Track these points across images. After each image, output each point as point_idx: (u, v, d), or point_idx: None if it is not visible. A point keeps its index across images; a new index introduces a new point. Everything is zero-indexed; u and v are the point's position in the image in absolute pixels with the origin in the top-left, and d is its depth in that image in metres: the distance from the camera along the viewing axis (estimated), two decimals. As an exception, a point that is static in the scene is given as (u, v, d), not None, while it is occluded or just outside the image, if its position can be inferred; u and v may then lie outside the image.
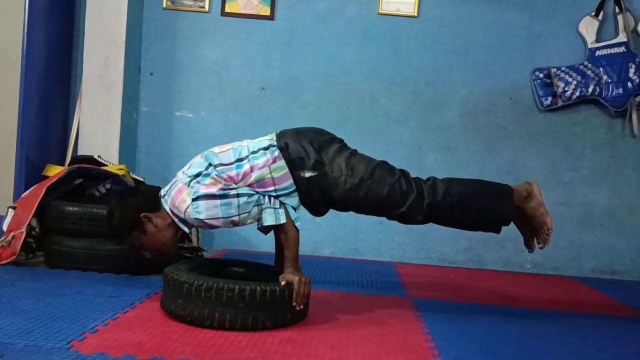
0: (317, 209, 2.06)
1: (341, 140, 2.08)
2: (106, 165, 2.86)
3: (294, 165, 1.93)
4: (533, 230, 2.07)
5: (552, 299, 2.55)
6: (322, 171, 1.94)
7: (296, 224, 1.91)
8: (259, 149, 1.92)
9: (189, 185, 1.85)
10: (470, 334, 1.88)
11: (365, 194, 1.96)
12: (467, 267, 3.25)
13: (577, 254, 3.25)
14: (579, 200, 3.24)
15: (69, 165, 2.87)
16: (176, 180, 1.92)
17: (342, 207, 2.05)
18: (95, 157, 2.92)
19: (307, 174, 1.94)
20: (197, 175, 1.86)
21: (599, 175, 3.25)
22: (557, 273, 3.23)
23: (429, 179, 2.04)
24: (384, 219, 3.21)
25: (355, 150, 2.06)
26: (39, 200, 2.46)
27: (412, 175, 2.05)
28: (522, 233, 2.14)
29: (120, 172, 2.76)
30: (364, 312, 2.06)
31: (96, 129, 3.12)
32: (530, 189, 2.04)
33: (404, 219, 2.02)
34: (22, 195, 2.63)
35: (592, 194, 3.25)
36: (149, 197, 1.97)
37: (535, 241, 2.11)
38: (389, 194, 1.96)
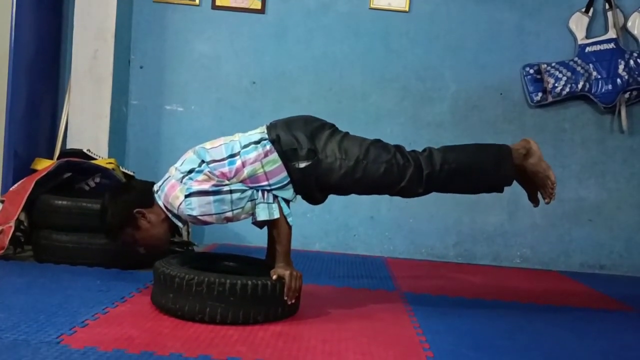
0: (314, 198, 2.05)
1: (332, 125, 2.07)
2: (95, 159, 2.84)
3: (287, 157, 1.92)
4: (537, 186, 2.04)
5: (541, 293, 2.57)
6: (316, 159, 1.93)
7: (288, 219, 1.91)
8: (250, 143, 1.91)
9: (181, 182, 1.84)
10: (460, 327, 1.89)
11: (362, 175, 1.95)
12: (457, 262, 3.27)
13: (566, 249, 3.28)
14: (568, 196, 3.26)
15: (57, 159, 2.84)
16: (169, 176, 1.91)
17: (341, 191, 2.04)
18: (85, 150, 2.89)
19: (302, 165, 1.92)
20: (190, 171, 1.85)
21: (588, 171, 3.27)
22: (546, 268, 3.25)
23: (424, 150, 2.02)
24: (375, 214, 3.29)
25: (347, 133, 2.05)
26: (27, 194, 2.44)
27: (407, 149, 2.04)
28: (525, 189, 2.10)
29: (109, 166, 2.74)
30: (355, 306, 2.07)
31: (85, 123, 3.09)
32: (529, 145, 2.01)
33: (405, 193, 2.01)
34: (10, 189, 2.60)
35: (581, 189, 3.27)
36: (142, 193, 1.96)
37: (540, 196, 2.07)
38: (387, 172, 1.95)
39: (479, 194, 2.15)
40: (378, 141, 2.03)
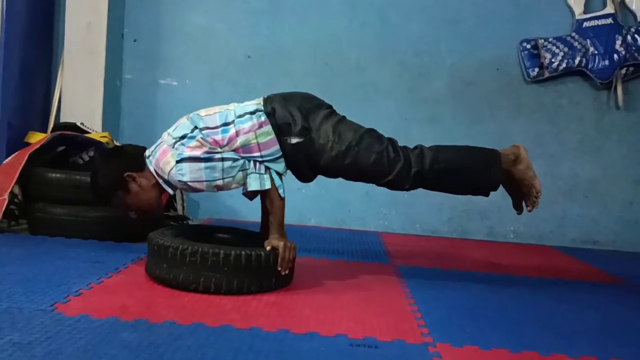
0: (303, 175, 2.06)
1: (329, 106, 2.06)
2: (89, 133, 2.82)
3: (281, 130, 1.91)
4: (522, 194, 2.05)
5: (534, 266, 2.59)
6: (309, 137, 1.93)
7: (279, 191, 1.90)
8: (245, 113, 1.90)
9: (173, 147, 1.84)
10: (452, 298, 1.91)
11: (352, 162, 1.95)
12: (451, 237, 3.29)
13: (560, 224, 3.29)
14: (563, 172, 3.27)
15: (51, 132, 2.82)
16: (161, 142, 1.90)
17: (329, 173, 2.04)
18: (78, 124, 2.88)
19: (294, 140, 1.92)
20: (182, 137, 1.85)
21: (584, 147, 3.27)
22: (540, 243, 3.27)
23: (416, 147, 2.02)
24: (370, 189, 3.28)
25: (344, 117, 2.04)
26: (21, 167, 2.42)
27: (400, 144, 2.05)
28: (510, 195, 2.12)
29: (103, 140, 2.73)
30: (348, 278, 2.08)
31: (79, 96, 3.07)
32: (518, 152, 2.03)
33: (391, 186, 2.02)
34: (4, 162, 2.59)
35: (576, 165, 3.28)
36: (134, 157, 1.95)
37: (524, 204, 2.09)
38: (376, 162, 1.95)
39: (461, 199, 2.14)
40: (373, 131, 2.02)
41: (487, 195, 2.07)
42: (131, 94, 3.28)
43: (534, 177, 2.02)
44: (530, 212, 2.09)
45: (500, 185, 2.06)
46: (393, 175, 1.96)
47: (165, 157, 1.84)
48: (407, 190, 2.02)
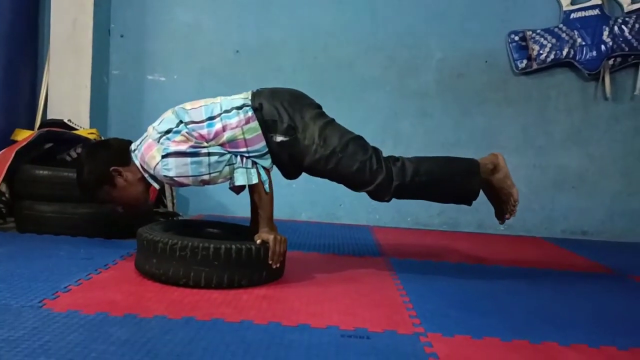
0: (287, 172, 2.04)
1: (318, 106, 2.04)
2: (77, 130, 2.80)
3: (267, 127, 1.90)
4: (501, 201, 2.07)
5: (524, 258, 2.61)
6: (294, 137, 1.91)
7: (265, 186, 1.89)
8: (232, 108, 1.89)
9: (159, 142, 1.82)
10: (443, 290, 1.91)
11: (335, 167, 1.93)
12: (442, 230, 3.29)
13: (549, 215, 3.31)
14: (552, 163, 3.28)
15: (38, 129, 2.80)
16: (146, 136, 1.88)
17: (312, 174, 2.03)
18: (66, 121, 2.85)
19: (279, 139, 1.91)
20: (168, 131, 1.83)
21: (572, 138, 3.29)
22: (530, 234, 3.29)
23: (397, 159, 2.00)
24: (360, 183, 3.28)
25: (332, 120, 2.02)
26: (8, 164, 2.40)
27: (385, 154, 2.01)
28: (492, 204, 2.13)
29: (91, 137, 2.71)
30: (339, 271, 2.08)
31: (66, 93, 3.05)
32: (497, 161, 2.03)
33: (372, 196, 2.01)
34: (-10, 160, 2.56)
35: (565, 156, 3.30)
36: (119, 151, 1.93)
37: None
38: (358, 171, 1.93)
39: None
40: (359, 138, 2.00)
41: (469, 204, 2.07)
42: (119, 91, 3.26)
43: (512, 186, 2.03)
44: (509, 219, 2.11)
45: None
46: (374, 186, 1.95)
47: (151, 151, 1.82)
48: (387, 201, 2.01)
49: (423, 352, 1.32)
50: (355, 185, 1.99)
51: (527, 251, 2.80)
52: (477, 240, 3.01)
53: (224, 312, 1.51)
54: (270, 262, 1.79)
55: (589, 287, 2.11)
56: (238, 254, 1.73)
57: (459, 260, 2.44)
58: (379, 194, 1.98)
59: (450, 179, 2.01)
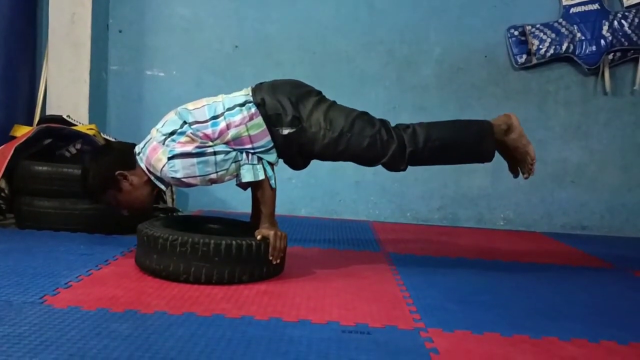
0: (295, 163, 2.04)
1: (319, 92, 2.04)
2: (76, 125, 2.79)
3: (271, 121, 1.89)
4: (516, 161, 2.05)
5: (524, 252, 2.61)
6: (300, 127, 1.91)
7: (271, 182, 1.89)
8: (235, 106, 1.88)
9: (163, 144, 1.81)
10: (443, 284, 1.91)
11: (345, 148, 1.93)
12: (442, 225, 3.29)
13: (548, 210, 3.31)
14: (551, 158, 3.28)
15: (37, 125, 2.79)
16: (150, 138, 1.87)
17: (323, 159, 2.03)
18: (64, 117, 2.85)
19: (285, 131, 1.90)
20: (172, 133, 1.82)
21: (571, 132, 3.29)
22: (529, 229, 3.29)
23: (408, 126, 2.00)
24: (360, 179, 3.28)
25: (334, 102, 2.02)
26: (7, 160, 2.39)
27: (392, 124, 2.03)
28: (506, 160, 2.11)
29: (90, 132, 2.70)
30: (340, 266, 2.08)
31: (64, 89, 3.04)
32: (510, 121, 2.01)
33: (387, 167, 2.01)
34: (-11, 156, 2.55)
35: (565, 151, 3.30)
36: (124, 154, 1.93)
37: (520, 170, 2.07)
38: (370, 146, 1.93)
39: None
40: (364, 114, 2.00)
41: (485, 162, 2.05)
42: (117, 86, 3.25)
43: (528, 144, 2.01)
44: (527, 179, 2.07)
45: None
46: (387, 157, 1.95)
47: (156, 154, 1.81)
48: (404, 170, 2.01)
49: (424, 348, 1.33)
50: (369, 161, 1.99)
51: (527, 246, 2.80)
52: (476, 235, 3.02)
53: (224, 308, 1.51)
54: (270, 257, 1.79)
55: (589, 282, 2.11)
56: (238, 250, 1.73)
57: (459, 254, 2.45)
58: (395, 164, 1.97)
59: (463, 143, 2.00)
